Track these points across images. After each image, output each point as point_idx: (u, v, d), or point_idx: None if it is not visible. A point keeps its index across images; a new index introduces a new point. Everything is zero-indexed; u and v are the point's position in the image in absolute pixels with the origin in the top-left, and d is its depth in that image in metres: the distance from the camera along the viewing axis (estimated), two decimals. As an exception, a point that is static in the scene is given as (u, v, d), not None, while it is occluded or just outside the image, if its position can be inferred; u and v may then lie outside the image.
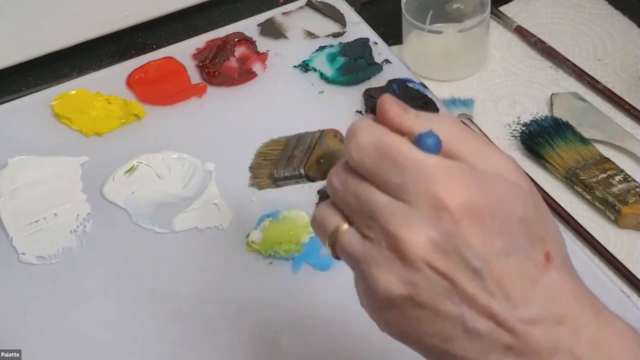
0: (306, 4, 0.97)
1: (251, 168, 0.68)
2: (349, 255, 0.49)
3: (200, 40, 0.94)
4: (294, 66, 0.90)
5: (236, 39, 0.93)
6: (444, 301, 0.46)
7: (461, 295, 0.46)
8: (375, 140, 0.48)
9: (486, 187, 0.47)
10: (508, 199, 0.47)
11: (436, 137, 0.48)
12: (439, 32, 0.92)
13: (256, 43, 0.93)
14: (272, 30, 0.94)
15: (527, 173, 0.51)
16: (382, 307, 0.48)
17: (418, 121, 0.49)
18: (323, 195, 0.77)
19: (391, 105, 0.49)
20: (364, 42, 0.92)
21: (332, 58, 0.91)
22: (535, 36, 0.97)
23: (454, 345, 0.47)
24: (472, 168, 0.47)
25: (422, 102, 0.85)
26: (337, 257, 0.50)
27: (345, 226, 0.49)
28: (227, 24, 0.96)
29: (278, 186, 0.65)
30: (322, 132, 0.60)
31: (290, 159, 0.62)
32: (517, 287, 0.46)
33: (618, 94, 0.90)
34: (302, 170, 0.60)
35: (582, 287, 0.48)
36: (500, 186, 0.47)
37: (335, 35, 0.93)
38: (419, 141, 0.47)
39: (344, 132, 0.85)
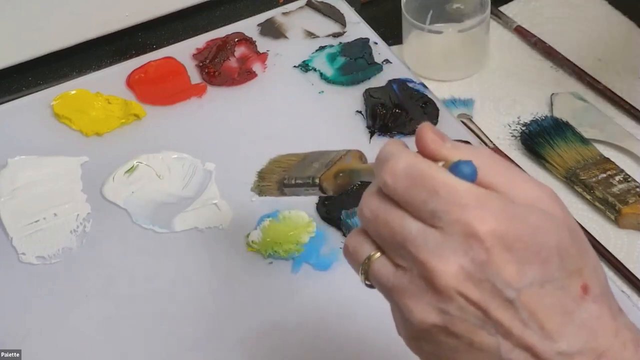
0: (306, 4, 0.97)
1: (260, 172, 0.68)
2: (382, 285, 0.48)
3: (200, 40, 0.94)
4: (294, 66, 0.90)
5: (236, 39, 0.93)
6: (478, 331, 0.46)
7: (496, 325, 0.45)
8: (408, 166, 0.47)
9: (519, 216, 0.46)
10: (542, 229, 0.47)
11: (472, 166, 0.47)
12: (439, 32, 0.92)
13: (256, 43, 0.93)
14: (272, 30, 0.94)
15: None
16: (417, 336, 0.48)
17: (454, 151, 0.48)
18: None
19: (430, 133, 0.49)
20: (364, 42, 0.92)
21: (332, 58, 0.91)
22: (535, 36, 0.97)
23: None
24: (506, 197, 0.47)
25: (422, 102, 0.85)
26: (371, 286, 0.50)
27: (378, 255, 0.49)
28: (227, 24, 0.96)
29: (282, 193, 0.64)
30: (348, 150, 0.60)
31: (306, 168, 0.62)
32: (552, 319, 0.45)
33: (618, 94, 0.90)
34: (316, 180, 0.59)
35: (622, 319, 0.47)
36: (535, 216, 0.47)
37: (335, 35, 0.93)
38: (454, 168, 0.47)
39: (344, 132, 0.85)
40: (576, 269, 0.47)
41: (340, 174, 0.58)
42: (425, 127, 0.49)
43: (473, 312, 0.46)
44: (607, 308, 0.47)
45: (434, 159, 0.48)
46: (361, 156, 0.59)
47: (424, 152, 0.48)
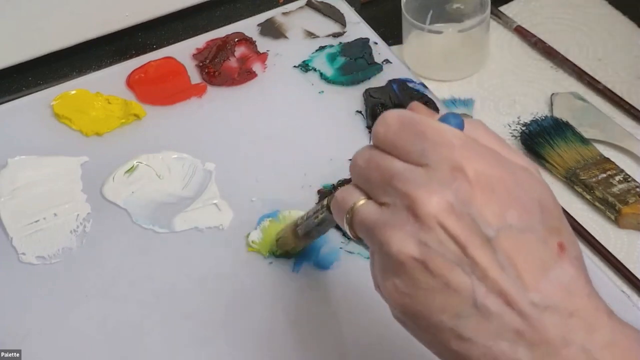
0: (306, 4, 0.97)
1: (277, 235, 0.73)
2: (365, 225, 0.49)
3: (200, 40, 0.94)
4: (294, 66, 0.90)
5: (236, 39, 0.93)
6: (455, 269, 0.46)
7: (472, 264, 0.45)
8: (400, 114, 0.49)
9: (506, 165, 0.48)
10: (527, 182, 0.48)
11: (461, 118, 0.49)
12: (439, 32, 0.92)
13: (256, 43, 0.93)
14: (272, 30, 0.94)
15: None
16: (394, 273, 0.47)
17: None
18: (323, 195, 0.77)
19: (422, 108, 0.52)
20: (364, 42, 0.92)
21: (332, 58, 0.91)
22: (535, 36, 0.97)
23: (463, 324, 0.46)
24: (495, 151, 0.48)
25: (422, 102, 0.85)
26: (357, 237, 0.51)
27: (363, 200, 0.50)
28: (227, 24, 0.96)
29: (300, 238, 0.69)
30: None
31: (310, 212, 0.65)
32: (528, 268, 0.45)
33: (618, 94, 0.90)
34: (324, 202, 0.62)
35: (595, 291, 0.48)
36: (520, 171, 0.48)
37: (335, 35, 0.93)
38: (444, 119, 0.49)
39: (344, 132, 0.85)
40: (555, 227, 0.47)
41: None
42: (416, 104, 0.52)
43: (452, 247, 0.46)
44: (582, 273, 0.47)
45: None
46: None
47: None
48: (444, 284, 0.46)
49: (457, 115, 0.49)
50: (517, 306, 0.45)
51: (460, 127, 0.49)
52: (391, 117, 0.50)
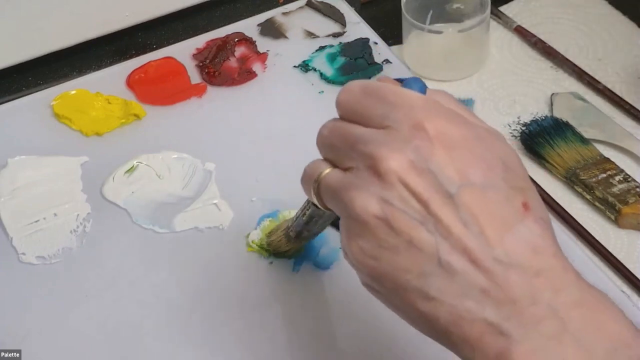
0: (306, 4, 0.97)
1: (268, 245, 0.73)
2: (330, 191, 0.50)
3: (200, 40, 0.94)
4: (294, 66, 0.90)
5: (236, 39, 0.93)
6: (418, 227, 0.46)
7: (435, 222, 0.45)
8: (362, 83, 0.50)
9: (468, 124, 0.48)
10: (489, 140, 0.48)
11: (421, 83, 0.49)
12: (439, 32, 0.92)
13: (256, 43, 0.93)
14: (272, 30, 0.94)
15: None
16: (358, 233, 0.48)
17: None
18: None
19: (386, 79, 0.52)
20: (364, 42, 0.92)
21: (332, 58, 0.91)
22: (535, 36, 0.97)
23: (428, 283, 0.45)
24: (457, 113, 0.48)
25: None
26: (326, 207, 0.52)
27: (329, 169, 0.51)
28: (227, 24, 0.96)
29: (293, 240, 0.69)
30: None
31: (298, 211, 0.65)
32: (492, 225, 0.45)
33: (618, 94, 0.90)
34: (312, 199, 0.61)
35: (561, 251, 0.47)
36: (484, 132, 0.48)
37: (335, 35, 0.93)
38: (406, 83, 0.50)
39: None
40: (520, 187, 0.47)
41: None
42: (383, 76, 0.53)
43: (414, 204, 0.46)
44: (549, 233, 0.47)
45: None
46: None
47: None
48: (408, 242, 0.46)
49: (418, 80, 0.50)
50: (481, 264, 0.45)
51: (423, 91, 0.49)
52: (354, 85, 0.50)
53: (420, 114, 0.47)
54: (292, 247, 0.71)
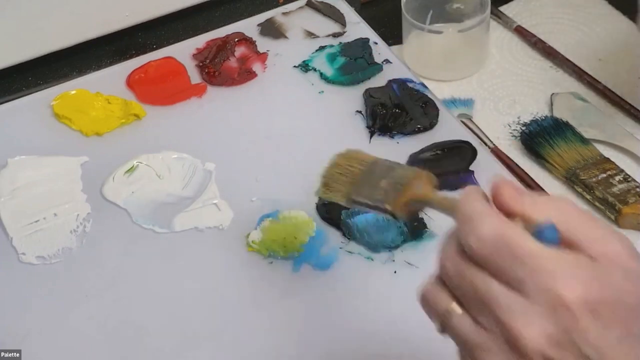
0: (306, 4, 0.97)
1: (324, 177, 0.64)
2: (462, 340, 0.49)
3: (200, 40, 0.94)
4: (294, 66, 0.90)
5: (236, 39, 0.93)
6: None
7: None
8: (494, 232, 0.48)
9: (603, 279, 0.47)
10: (625, 291, 0.47)
11: (555, 231, 0.48)
12: (439, 32, 0.92)
13: (256, 43, 0.93)
14: (272, 30, 0.94)
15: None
16: None
17: (534, 206, 0.49)
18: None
19: (507, 189, 0.50)
20: (364, 42, 0.92)
21: (332, 58, 0.91)
22: (535, 36, 0.97)
23: None
24: (589, 260, 0.48)
25: (422, 102, 0.85)
26: (443, 333, 0.51)
27: (459, 311, 0.49)
28: (227, 24, 0.96)
29: (349, 205, 0.63)
30: (416, 172, 0.59)
31: (375, 188, 0.61)
32: None
33: (618, 94, 0.90)
34: (387, 207, 0.59)
35: None
36: (616, 277, 0.48)
37: (335, 35, 0.93)
38: (538, 234, 0.48)
39: (344, 132, 0.85)
40: None
41: (413, 203, 0.58)
42: (501, 183, 0.50)
43: None
44: None
45: (513, 215, 0.49)
46: (431, 180, 0.58)
47: (502, 208, 0.49)
48: None
49: (551, 230, 0.48)
50: None
51: (556, 241, 0.48)
52: (485, 234, 0.48)
53: (559, 285, 0.46)
54: (344, 204, 0.65)
